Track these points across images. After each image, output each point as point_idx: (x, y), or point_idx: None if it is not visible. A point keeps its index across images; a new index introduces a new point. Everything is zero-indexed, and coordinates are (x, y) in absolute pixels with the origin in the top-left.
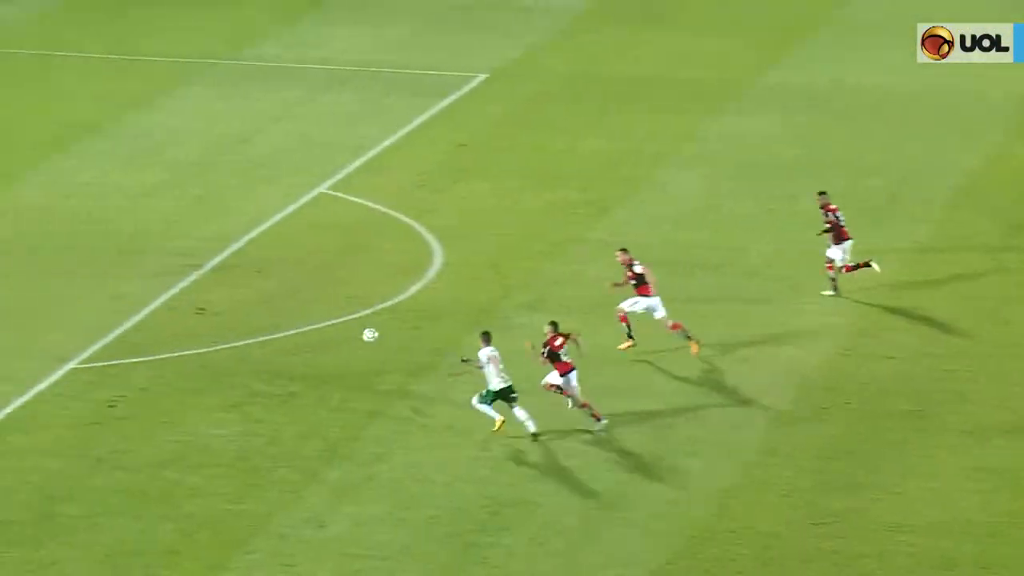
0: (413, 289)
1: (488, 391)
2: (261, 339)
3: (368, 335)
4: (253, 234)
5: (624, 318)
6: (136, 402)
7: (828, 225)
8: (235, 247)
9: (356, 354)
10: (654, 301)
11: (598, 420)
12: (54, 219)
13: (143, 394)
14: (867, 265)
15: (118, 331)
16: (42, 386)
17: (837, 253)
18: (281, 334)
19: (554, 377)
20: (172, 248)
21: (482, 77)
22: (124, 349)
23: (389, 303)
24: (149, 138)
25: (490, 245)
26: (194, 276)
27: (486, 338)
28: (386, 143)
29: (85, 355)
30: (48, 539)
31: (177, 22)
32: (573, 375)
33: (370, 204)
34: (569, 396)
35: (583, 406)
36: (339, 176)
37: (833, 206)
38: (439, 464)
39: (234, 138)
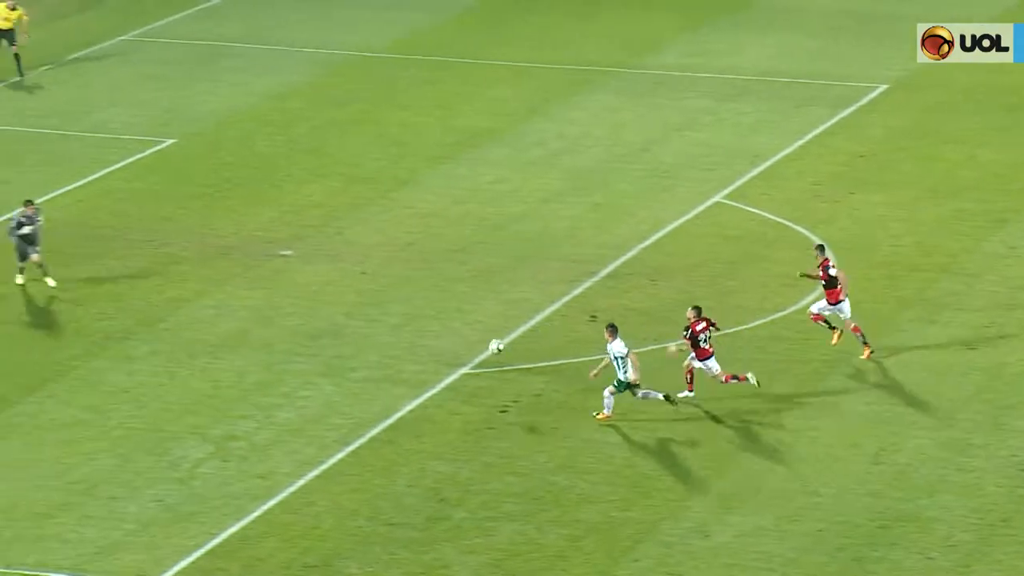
0: (804, 300)
1: (620, 381)
2: (650, 348)
3: (494, 346)
4: (648, 242)
5: (817, 317)
6: (528, 407)
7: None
8: (629, 255)
9: (747, 364)
10: (843, 305)
11: (742, 379)
12: (450, 224)
13: (535, 400)
14: None
15: (511, 336)
16: (435, 390)
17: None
18: (671, 344)
19: (694, 361)
20: (568, 255)
21: (882, 88)
22: (517, 354)
23: (780, 314)
24: (547, 145)
25: (884, 256)
26: (588, 283)
27: (613, 331)
28: (783, 153)
29: (478, 360)
30: (439, 541)
31: (580, 30)
32: (712, 360)
33: (765, 214)
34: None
35: (728, 379)
36: (735, 185)
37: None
38: (826, 476)
39: (634, 146)
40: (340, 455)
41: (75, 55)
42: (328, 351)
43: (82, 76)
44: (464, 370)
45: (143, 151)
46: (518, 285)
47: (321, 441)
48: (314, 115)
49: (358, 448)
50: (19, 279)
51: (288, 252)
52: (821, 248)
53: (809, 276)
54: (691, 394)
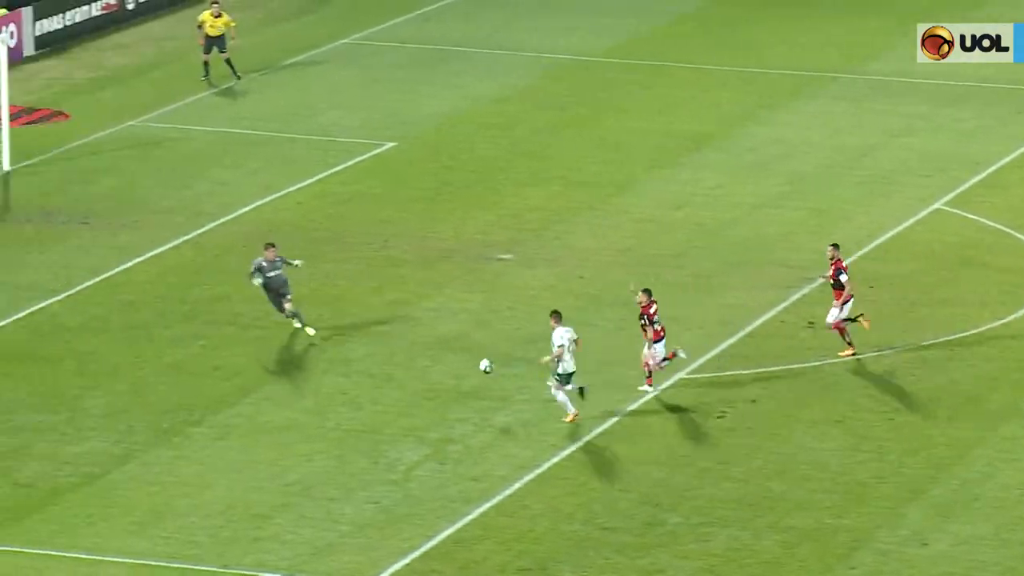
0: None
1: (559, 374)
2: (870, 355)
3: (484, 365)
4: (867, 248)
5: (838, 326)
6: (744, 414)
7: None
8: (847, 261)
9: (964, 372)
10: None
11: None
12: (666, 229)
13: (751, 406)
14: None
15: (728, 342)
16: (650, 395)
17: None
18: (889, 350)
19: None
20: (784, 260)
21: None
22: (734, 360)
23: (998, 323)
24: (764, 150)
25: None
26: (805, 289)
27: (557, 317)
28: (1005, 160)
29: (694, 365)
30: (653, 547)
31: (797, 36)
32: (661, 345)
33: (986, 221)
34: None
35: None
36: (956, 192)
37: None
38: None
39: (854, 151)
40: (556, 459)
41: (296, 59)
42: (545, 355)
43: (303, 79)
44: (680, 375)
45: (363, 154)
46: (734, 290)
47: (537, 445)
48: (534, 119)
49: (574, 452)
50: (296, 323)
51: (507, 256)
52: (836, 246)
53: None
54: (650, 388)
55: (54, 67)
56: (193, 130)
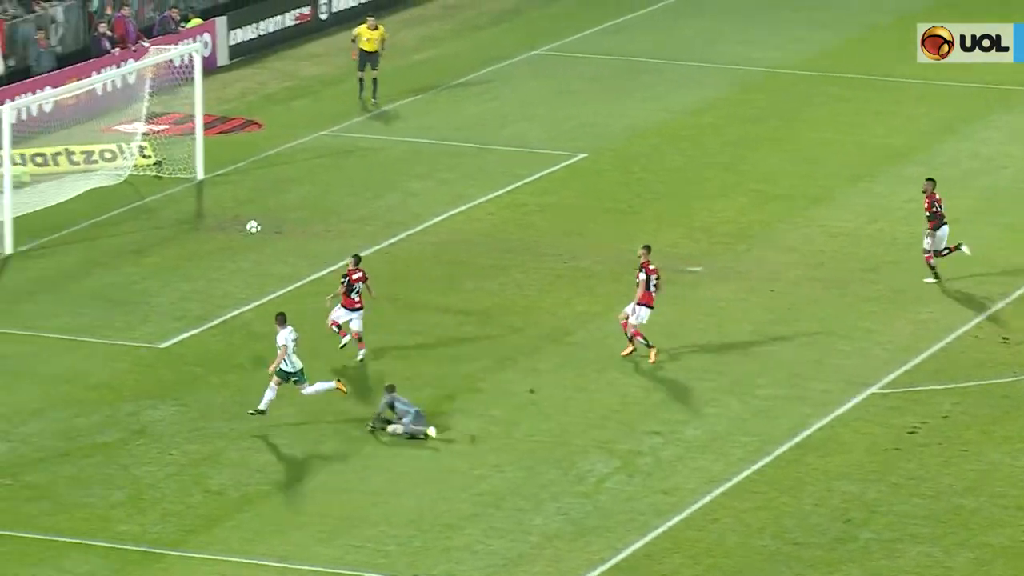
0: None
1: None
2: None
3: (252, 226)
4: None
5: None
6: (936, 429)
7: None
8: None
9: None
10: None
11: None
12: (861, 243)
13: (944, 422)
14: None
15: (921, 357)
16: (842, 409)
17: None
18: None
19: (339, 314)
20: (979, 275)
21: None
22: (926, 375)
23: None
24: (961, 165)
25: None
26: (1000, 304)
27: (282, 320)
28: None
29: (887, 380)
30: (844, 562)
31: None
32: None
33: None
34: (347, 334)
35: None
36: None
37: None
38: None
39: None
40: (746, 472)
41: (488, 69)
42: (735, 368)
43: (495, 90)
44: (872, 390)
45: (554, 165)
46: (928, 305)
47: (727, 458)
48: (727, 131)
49: (764, 466)
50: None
51: (697, 268)
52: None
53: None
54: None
55: (248, 76)
56: (385, 140)
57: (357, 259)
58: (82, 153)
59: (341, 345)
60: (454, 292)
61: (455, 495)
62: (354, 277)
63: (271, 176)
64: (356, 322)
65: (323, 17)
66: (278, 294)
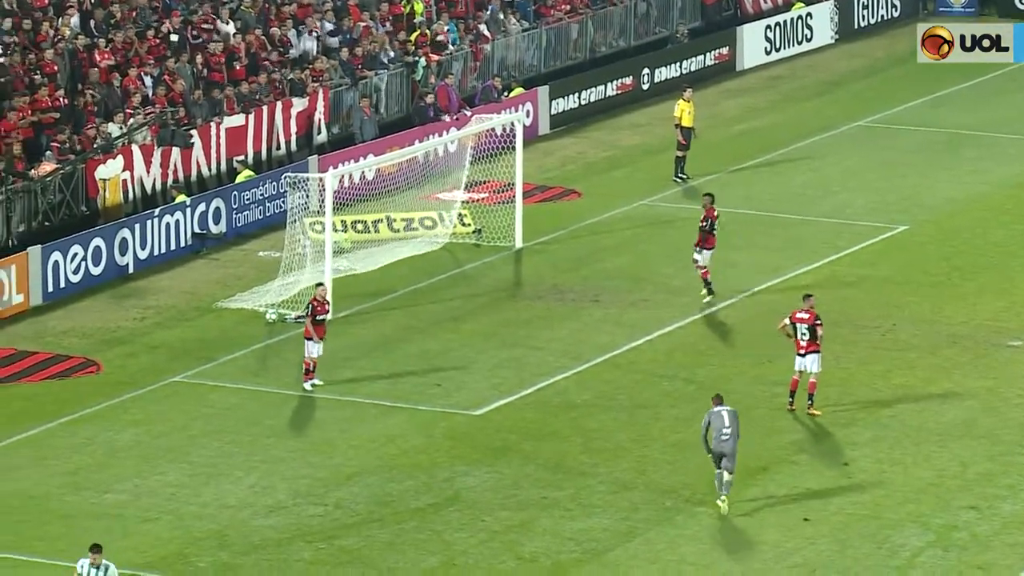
0: None
1: None
2: None
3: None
4: None
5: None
6: None
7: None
8: None
9: None
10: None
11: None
12: None
13: None
14: None
15: None
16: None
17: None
18: None
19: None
20: None
21: None
22: None
23: None
24: None
25: None
26: None
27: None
28: None
29: None
30: None
31: None
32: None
33: None
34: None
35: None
36: None
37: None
38: None
39: None
40: None
41: (810, 139)
42: None
43: (817, 161)
44: None
45: (874, 237)
46: None
47: None
48: None
49: None
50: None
51: (1017, 342)
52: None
53: None
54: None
55: (568, 146)
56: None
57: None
58: (402, 220)
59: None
60: (771, 363)
61: (768, 567)
62: None
63: (589, 245)
64: None
65: (645, 87)
66: (594, 363)
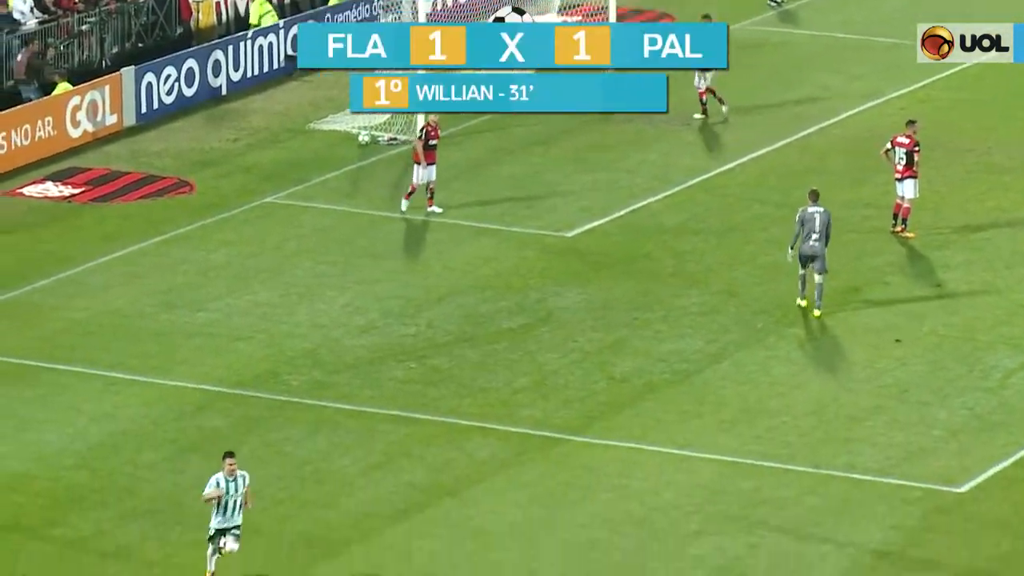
0: None
1: None
2: None
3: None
4: None
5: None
6: None
7: None
8: None
9: None
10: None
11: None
12: None
13: None
14: None
15: None
16: None
17: None
18: None
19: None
20: None
21: None
22: None
23: None
24: None
25: None
26: None
27: None
28: None
29: None
30: None
31: None
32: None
33: None
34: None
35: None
36: None
37: None
38: None
39: None
40: None
41: None
42: None
43: None
44: None
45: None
46: None
47: None
48: None
49: None
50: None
51: None
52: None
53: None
54: None
55: None
56: (798, 34)
57: None
58: None
59: None
60: (863, 186)
61: (858, 387)
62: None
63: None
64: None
65: None
66: (685, 186)
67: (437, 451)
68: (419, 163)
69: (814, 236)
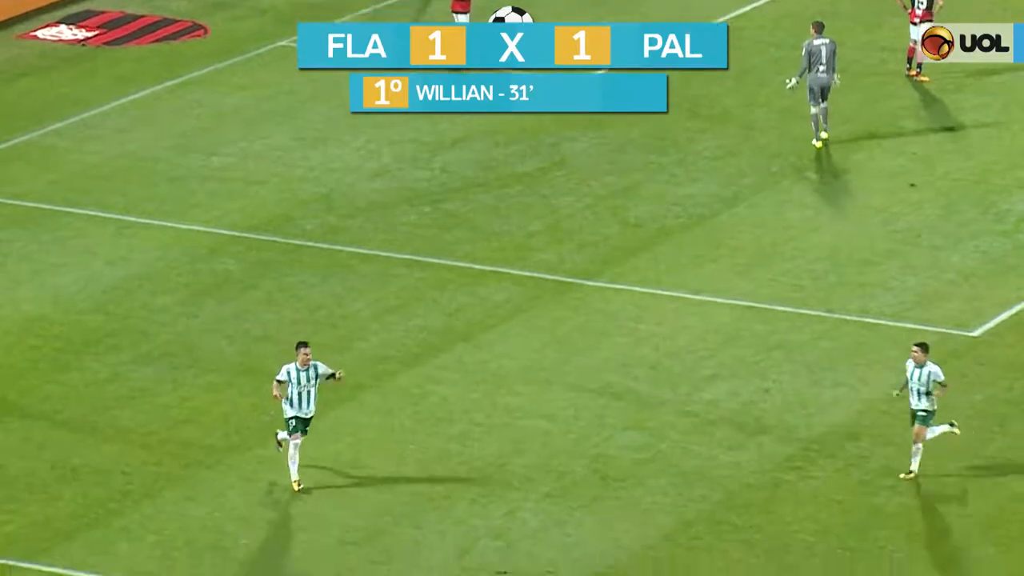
0: None
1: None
2: None
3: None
4: None
5: None
6: None
7: None
8: None
9: None
10: None
11: None
12: None
13: None
14: None
15: None
16: None
17: None
18: None
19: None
20: None
21: None
22: None
23: None
24: None
25: None
26: None
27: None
28: None
29: None
30: None
31: None
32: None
33: None
34: None
35: None
36: None
37: None
38: None
39: None
40: None
41: None
42: None
43: None
44: None
45: None
46: None
47: None
48: None
49: None
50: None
51: None
52: None
53: None
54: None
55: None
56: None
57: None
58: None
59: None
60: (879, 29)
61: (872, 231)
62: None
63: None
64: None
65: None
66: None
67: (451, 295)
68: (458, 12)
69: (821, 67)
